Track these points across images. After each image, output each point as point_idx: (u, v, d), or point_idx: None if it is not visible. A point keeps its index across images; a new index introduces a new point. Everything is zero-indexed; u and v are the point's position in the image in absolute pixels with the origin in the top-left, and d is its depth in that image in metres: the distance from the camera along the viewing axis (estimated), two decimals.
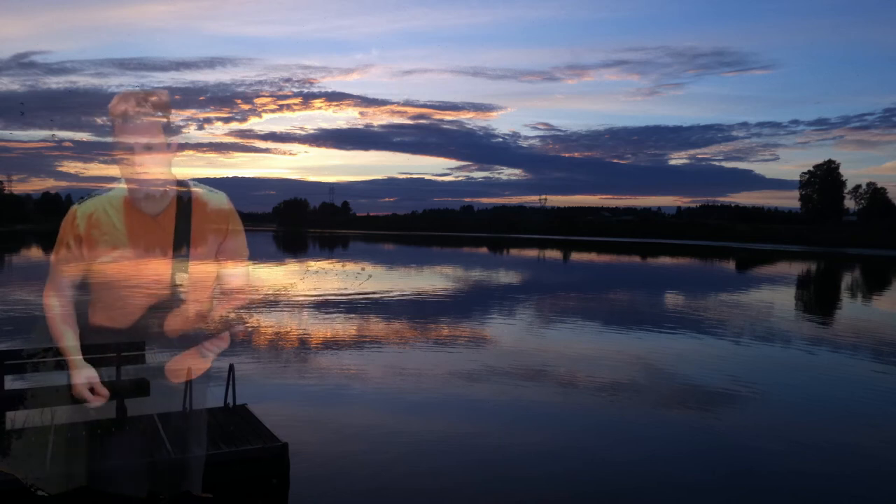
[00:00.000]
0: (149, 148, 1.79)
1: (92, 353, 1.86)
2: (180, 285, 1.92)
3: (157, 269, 1.91)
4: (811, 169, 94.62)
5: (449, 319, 11.07)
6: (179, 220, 1.92)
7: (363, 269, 23.91)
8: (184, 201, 1.94)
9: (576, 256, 39.24)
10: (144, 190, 1.85)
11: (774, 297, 17.28)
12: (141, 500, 1.83)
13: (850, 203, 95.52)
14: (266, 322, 10.09)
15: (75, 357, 1.82)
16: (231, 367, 4.67)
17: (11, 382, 1.95)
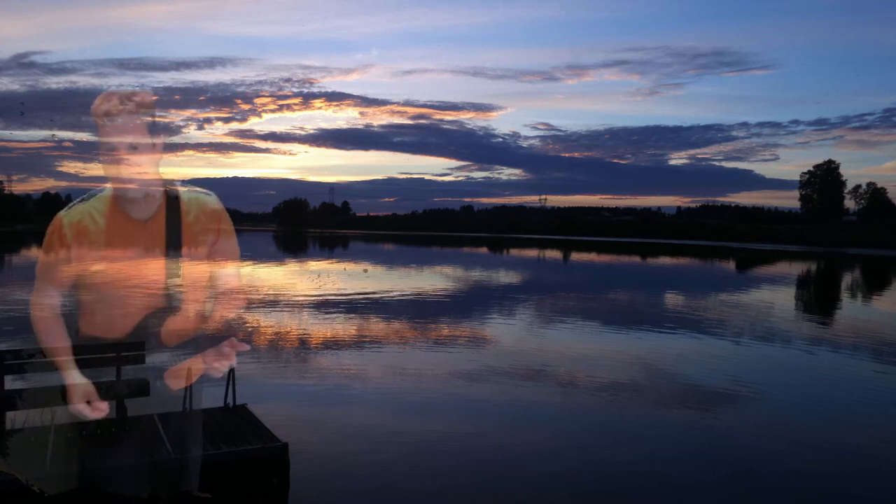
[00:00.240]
0: (134, 148, 1.76)
1: (92, 353, 1.86)
2: (174, 291, 1.90)
3: (150, 275, 1.88)
4: (811, 169, 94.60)
5: (449, 319, 11.07)
6: (170, 224, 1.90)
7: (365, 269, 23.91)
8: (173, 204, 1.92)
9: (576, 256, 39.23)
10: (131, 192, 1.81)
11: (774, 297, 17.28)
12: (141, 500, 1.83)
13: (850, 203, 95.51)
14: (266, 322, 10.09)
15: (71, 371, 1.81)
16: (231, 368, 4.67)
17: (11, 382, 1.94)
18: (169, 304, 1.90)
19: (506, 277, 22.68)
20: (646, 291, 18.28)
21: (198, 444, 2.01)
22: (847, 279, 26.52)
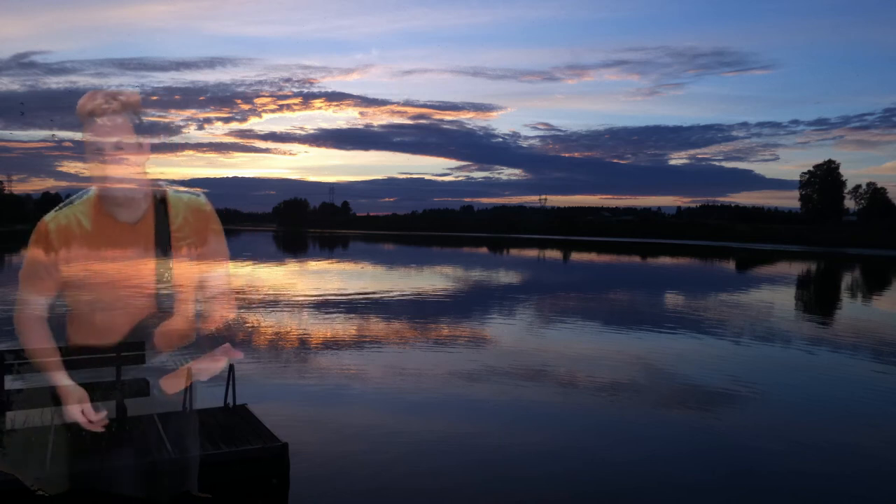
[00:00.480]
0: (119, 149, 1.73)
1: (91, 353, 1.86)
2: (165, 294, 1.88)
3: (140, 279, 1.86)
4: (811, 169, 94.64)
5: (449, 319, 11.07)
6: (158, 226, 1.87)
7: (362, 268, 23.91)
8: (161, 206, 1.89)
9: (576, 256, 39.23)
10: (117, 194, 1.78)
11: (774, 297, 17.28)
12: (141, 501, 1.83)
13: (850, 203, 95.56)
14: (266, 322, 10.09)
15: (59, 373, 1.78)
16: (231, 367, 4.67)
17: (11, 382, 1.94)
18: (160, 307, 1.89)
19: (506, 277, 22.68)
20: (646, 291, 18.28)
21: (196, 443, 2.00)
22: (847, 279, 26.52)
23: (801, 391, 6.86)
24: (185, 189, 1.97)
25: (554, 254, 41.14)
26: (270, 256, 31.76)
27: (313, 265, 26.20)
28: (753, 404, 6.19)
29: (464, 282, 19.40)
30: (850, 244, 61.45)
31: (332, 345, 8.42)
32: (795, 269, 31.14)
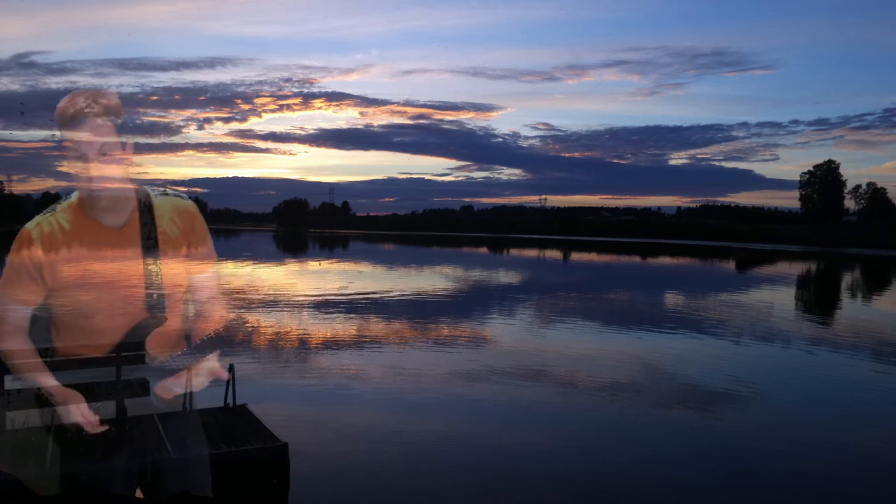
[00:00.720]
0: (100, 151, 1.70)
1: (89, 355, 1.85)
2: (155, 299, 1.87)
3: (128, 284, 1.84)
4: (811, 169, 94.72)
5: (449, 319, 11.07)
6: (144, 230, 1.85)
7: (362, 269, 23.91)
8: (146, 209, 1.87)
9: (576, 256, 39.23)
10: (100, 198, 1.75)
11: (774, 297, 17.28)
12: (141, 501, 1.83)
13: (850, 203, 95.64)
14: (266, 322, 10.09)
15: (61, 385, 1.77)
16: (231, 367, 4.67)
17: (11, 382, 1.94)
18: (151, 311, 1.88)
19: (506, 277, 22.68)
20: (646, 291, 18.28)
21: (203, 443, 1.99)
22: (847, 279, 26.52)
23: (801, 391, 6.86)
24: (170, 190, 1.96)
25: (554, 254, 41.14)
26: (270, 256, 31.77)
27: (313, 265, 26.21)
28: (753, 404, 6.19)
29: (464, 282, 19.40)
30: (850, 244, 61.45)
31: (332, 345, 8.42)
32: (795, 269, 31.15)
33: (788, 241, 67.37)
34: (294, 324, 10.12)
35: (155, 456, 1.84)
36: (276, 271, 22.65)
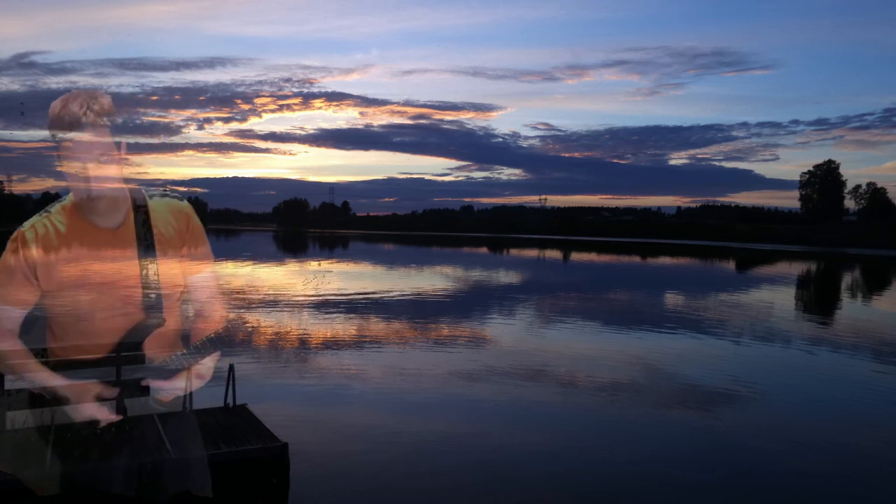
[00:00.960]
0: (94, 153, 1.70)
1: (88, 355, 1.85)
2: (153, 301, 1.86)
3: (125, 286, 1.83)
4: (811, 169, 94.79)
5: (449, 319, 11.07)
6: (140, 231, 1.85)
7: (362, 268, 23.88)
8: (142, 210, 1.87)
9: (576, 256, 39.23)
10: (94, 199, 1.75)
11: (774, 297, 17.28)
12: (140, 501, 1.83)
13: (850, 203, 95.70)
14: (266, 322, 10.09)
15: (70, 382, 1.76)
16: (231, 367, 4.67)
17: (11, 382, 1.94)
18: (148, 313, 1.87)
19: (506, 277, 22.68)
20: (646, 291, 18.28)
21: (200, 444, 1.99)
22: (847, 279, 26.52)
23: (801, 391, 6.86)
24: (165, 190, 1.96)
25: (554, 254, 41.13)
26: (270, 256, 31.77)
27: (313, 265, 26.21)
28: (753, 404, 6.19)
29: (464, 282, 19.40)
30: (850, 244, 61.46)
31: (332, 345, 8.42)
32: (795, 269, 31.14)
33: (788, 241, 67.38)
34: (294, 324, 10.12)
35: (155, 456, 1.84)
36: (276, 271, 22.65)
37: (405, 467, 4.33)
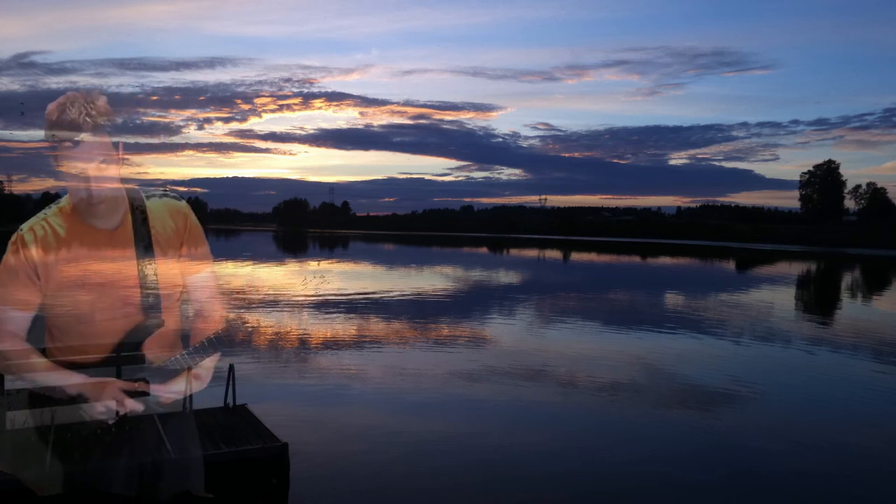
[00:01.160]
0: (91, 155, 1.69)
1: (88, 355, 1.85)
2: (152, 302, 1.86)
3: (123, 287, 1.83)
4: (811, 169, 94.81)
5: (449, 319, 11.07)
6: (138, 232, 1.84)
7: (362, 268, 23.88)
8: (140, 210, 1.86)
9: (576, 256, 39.23)
10: (92, 201, 1.74)
11: (774, 297, 17.28)
12: (140, 501, 1.83)
13: (850, 203, 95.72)
14: (266, 322, 10.09)
15: (59, 372, 1.77)
16: (231, 367, 4.67)
17: (11, 382, 1.94)
18: (147, 314, 1.87)
19: (506, 277, 22.68)
20: (646, 291, 18.28)
21: (196, 444, 1.99)
22: (847, 279, 26.52)
23: (801, 391, 6.86)
24: (162, 190, 1.96)
25: (554, 254, 41.13)
26: (270, 256, 31.76)
27: (313, 265, 26.20)
28: (753, 404, 6.19)
29: (464, 282, 19.39)
30: (850, 244, 61.46)
31: (332, 345, 8.42)
32: (795, 269, 31.14)
33: (788, 241, 67.38)
34: (294, 324, 10.12)
35: (155, 456, 1.84)
36: (276, 271, 22.65)
37: (405, 467, 4.33)
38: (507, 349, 8.55)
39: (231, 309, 2.02)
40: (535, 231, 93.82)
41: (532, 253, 42.35)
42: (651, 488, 4.13)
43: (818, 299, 18.31)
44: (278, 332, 9.31)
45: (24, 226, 1.82)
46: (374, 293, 14.74)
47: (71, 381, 1.77)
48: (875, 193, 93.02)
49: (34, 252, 1.78)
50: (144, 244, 1.85)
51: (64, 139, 1.68)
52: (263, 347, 8.07)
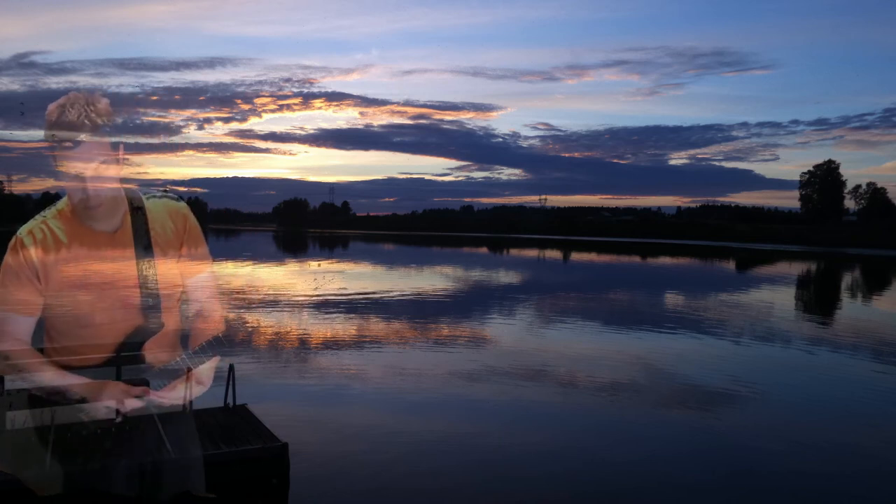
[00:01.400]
0: (91, 157, 1.69)
1: (88, 355, 1.85)
2: (151, 304, 1.85)
3: (123, 289, 1.83)
4: (811, 169, 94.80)
5: (449, 319, 11.07)
6: (138, 233, 1.84)
7: (362, 268, 23.88)
8: (139, 212, 1.86)
9: (576, 256, 39.22)
10: (91, 203, 1.74)
11: (774, 297, 17.28)
12: (141, 501, 1.83)
13: (850, 203, 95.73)
14: (266, 322, 10.09)
15: (54, 372, 1.76)
16: (231, 367, 4.67)
17: (11, 383, 1.94)
18: (147, 317, 1.87)
19: (506, 277, 22.68)
20: (646, 291, 18.28)
21: (196, 444, 1.99)
22: (847, 279, 26.51)
23: (801, 391, 6.86)
24: (161, 191, 1.95)
25: (554, 254, 41.13)
26: (270, 256, 31.76)
27: (313, 265, 26.20)
28: (753, 404, 6.19)
29: (464, 282, 19.39)
30: (850, 244, 61.45)
31: (332, 345, 8.42)
32: (795, 269, 31.14)
33: (788, 241, 67.37)
34: (294, 324, 10.12)
35: (155, 456, 1.84)
36: (276, 271, 22.64)
37: (405, 467, 4.33)
38: (507, 349, 8.55)
39: (231, 309, 2.02)
40: (535, 231, 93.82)
41: (532, 253, 42.35)
42: (651, 488, 4.13)
43: (818, 299, 18.31)
44: (278, 332, 9.31)
45: (23, 229, 1.81)
46: (374, 293, 14.74)
47: (71, 381, 1.77)
48: (875, 193, 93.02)
49: (34, 255, 1.77)
50: (144, 246, 1.85)
51: (63, 139, 1.67)
52: (263, 347, 8.07)
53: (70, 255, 1.79)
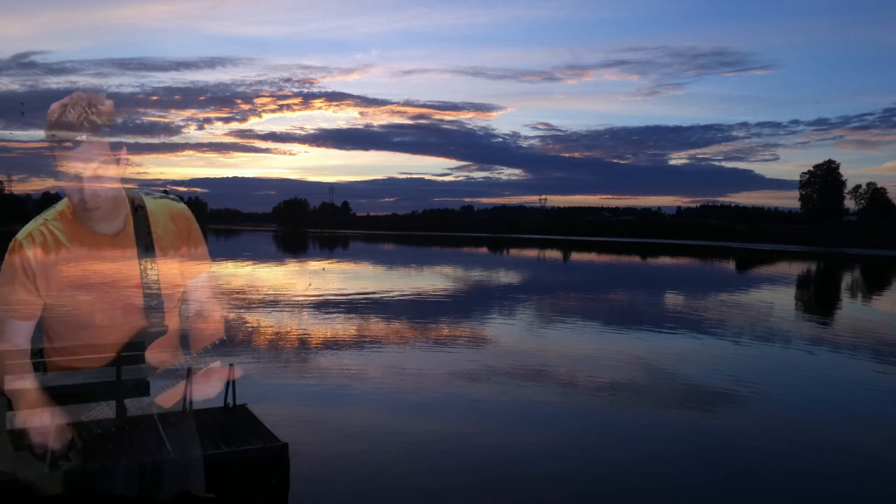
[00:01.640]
0: (91, 158, 1.67)
1: (88, 355, 1.84)
2: (153, 306, 1.85)
3: (125, 292, 1.82)
4: (811, 169, 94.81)
5: (449, 319, 11.07)
6: (139, 235, 1.83)
7: (323, 268, 23.88)
8: (140, 214, 1.85)
9: (576, 256, 39.23)
10: (92, 205, 1.72)
11: (774, 297, 17.28)
12: (141, 501, 1.83)
13: (850, 203, 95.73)
14: (266, 322, 10.09)
15: (27, 375, 1.73)
16: (231, 368, 4.66)
17: (11, 383, 1.94)
18: (150, 319, 1.86)
19: (506, 277, 22.68)
20: (646, 291, 18.28)
21: (197, 444, 1.99)
22: (847, 279, 26.52)
23: (801, 391, 6.86)
24: (161, 192, 1.95)
25: (554, 254, 41.13)
26: (270, 256, 31.76)
27: (313, 265, 26.20)
28: (753, 404, 6.19)
29: (464, 282, 19.39)
30: (850, 244, 61.47)
31: (332, 345, 8.42)
32: (795, 269, 31.15)
33: (788, 241, 67.39)
34: (294, 324, 10.12)
35: (155, 456, 1.84)
36: (276, 271, 22.65)
37: (405, 467, 4.33)
38: (507, 349, 8.56)
39: (231, 309, 2.02)
40: (535, 231, 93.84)
41: (532, 253, 42.36)
42: (651, 488, 4.14)
43: (818, 299, 18.31)
44: (278, 332, 9.31)
45: (23, 232, 1.80)
46: (374, 293, 14.74)
47: (70, 382, 1.77)
48: (875, 193, 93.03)
49: (31, 259, 1.75)
50: (146, 248, 1.85)
51: (63, 139, 1.67)
52: (263, 347, 8.07)
53: (70, 256, 1.78)
